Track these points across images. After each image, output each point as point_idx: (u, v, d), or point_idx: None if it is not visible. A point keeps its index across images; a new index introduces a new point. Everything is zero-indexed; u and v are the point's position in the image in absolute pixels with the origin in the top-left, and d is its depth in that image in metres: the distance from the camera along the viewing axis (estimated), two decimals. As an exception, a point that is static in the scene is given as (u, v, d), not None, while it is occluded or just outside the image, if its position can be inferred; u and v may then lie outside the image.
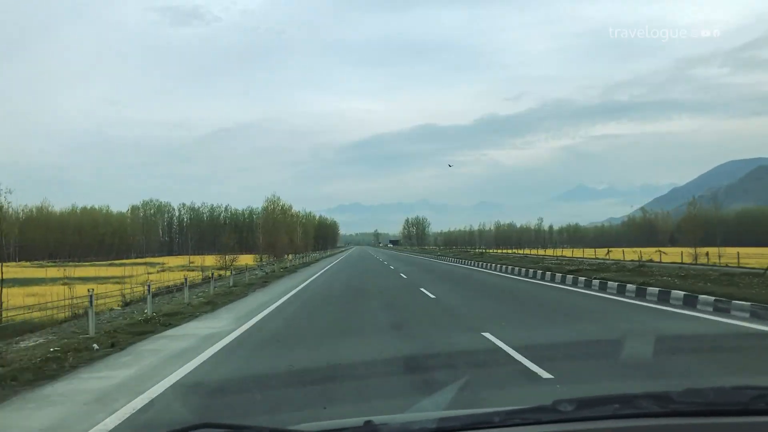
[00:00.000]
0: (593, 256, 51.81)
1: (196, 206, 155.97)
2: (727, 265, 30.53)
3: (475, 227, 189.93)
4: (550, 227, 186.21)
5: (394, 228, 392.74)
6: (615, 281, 18.05)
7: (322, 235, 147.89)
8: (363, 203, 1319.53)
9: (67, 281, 30.09)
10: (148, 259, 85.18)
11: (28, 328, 12.61)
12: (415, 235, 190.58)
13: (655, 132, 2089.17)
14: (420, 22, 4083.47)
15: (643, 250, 50.28)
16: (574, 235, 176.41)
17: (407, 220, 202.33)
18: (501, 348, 8.23)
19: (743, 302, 11.78)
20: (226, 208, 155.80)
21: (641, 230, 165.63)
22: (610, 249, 58.21)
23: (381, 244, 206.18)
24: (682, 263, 34.77)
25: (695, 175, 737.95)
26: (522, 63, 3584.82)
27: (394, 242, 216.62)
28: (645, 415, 1.67)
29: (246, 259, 55.90)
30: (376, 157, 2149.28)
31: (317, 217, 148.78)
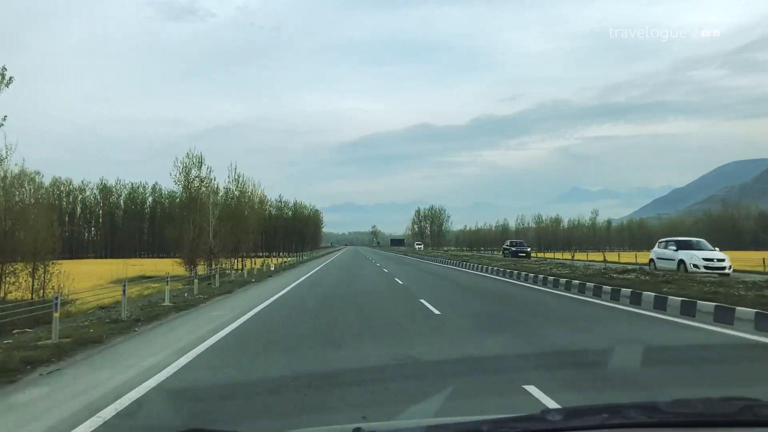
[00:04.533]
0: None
1: (108, 185, 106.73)
2: None
3: (511, 223, 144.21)
4: (609, 224, 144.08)
5: (390, 228, 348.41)
6: None
7: (299, 231, 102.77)
8: (357, 203, 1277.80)
9: None
10: None
11: None
12: (429, 233, 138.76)
13: (651, 134, 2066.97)
14: (418, 22, 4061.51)
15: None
16: (638, 233, 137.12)
17: (418, 212, 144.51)
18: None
19: None
20: (154, 188, 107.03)
21: (719, 228, 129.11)
22: None
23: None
24: None
25: (695, 177, 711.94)
26: (519, 64, 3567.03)
27: (398, 242, 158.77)
28: (633, 425, 1.66)
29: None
30: (371, 157, 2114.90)
31: (291, 204, 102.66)
